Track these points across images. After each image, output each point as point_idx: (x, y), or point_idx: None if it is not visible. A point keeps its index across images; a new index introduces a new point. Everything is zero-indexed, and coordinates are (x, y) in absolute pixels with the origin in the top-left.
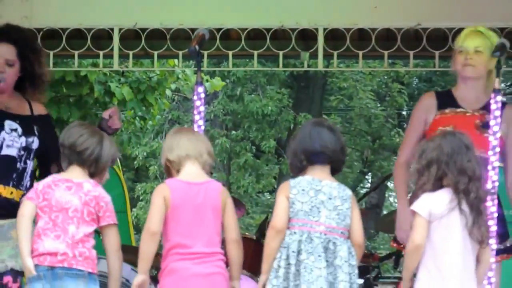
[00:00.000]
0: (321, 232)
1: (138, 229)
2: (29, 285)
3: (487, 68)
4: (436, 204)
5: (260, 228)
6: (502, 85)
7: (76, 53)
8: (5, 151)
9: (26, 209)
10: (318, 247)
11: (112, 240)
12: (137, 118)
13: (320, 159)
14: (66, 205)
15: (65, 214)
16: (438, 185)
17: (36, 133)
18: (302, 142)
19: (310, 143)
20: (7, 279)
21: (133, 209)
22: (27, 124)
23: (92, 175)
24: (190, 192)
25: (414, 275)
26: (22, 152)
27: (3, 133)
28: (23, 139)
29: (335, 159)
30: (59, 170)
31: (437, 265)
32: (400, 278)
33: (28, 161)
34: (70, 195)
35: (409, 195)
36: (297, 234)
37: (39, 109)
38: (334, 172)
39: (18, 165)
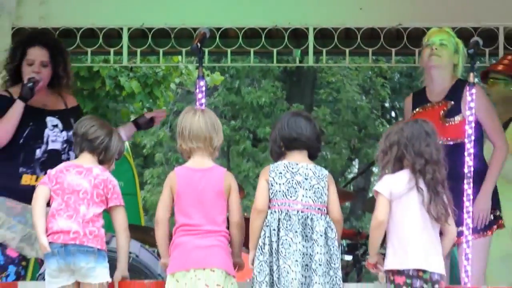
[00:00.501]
0: (298, 210)
1: (145, 210)
2: (45, 261)
3: (452, 61)
4: (396, 184)
5: None
6: (476, 79)
7: (89, 50)
8: (51, 146)
9: (40, 193)
10: (296, 224)
11: (120, 220)
12: (144, 109)
13: (297, 145)
14: (77, 188)
15: (77, 196)
16: (399, 166)
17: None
18: (281, 130)
19: (288, 131)
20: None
21: (141, 192)
22: (65, 118)
23: (100, 163)
24: (194, 178)
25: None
26: (65, 145)
27: (46, 130)
28: (64, 133)
29: (311, 146)
30: None
31: (400, 241)
32: (384, 255)
33: (70, 152)
34: (81, 179)
35: None
36: (277, 213)
37: (71, 101)
38: (311, 158)
39: (63, 156)
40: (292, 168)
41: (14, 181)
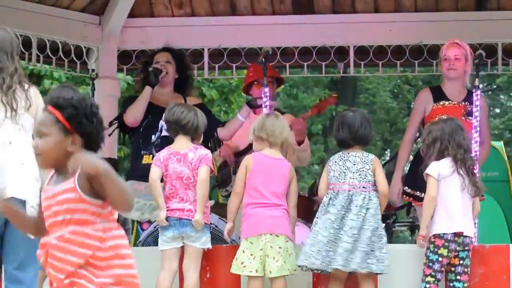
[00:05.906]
0: (345, 189)
1: None
2: (163, 231)
3: (464, 69)
4: (443, 168)
5: (310, 189)
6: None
7: None
8: (164, 133)
9: (157, 175)
10: (341, 200)
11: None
12: (221, 112)
13: (362, 143)
14: (180, 175)
15: (181, 181)
16: (440, 156)
17: None
18: (350, 128)
19: (360, 131)
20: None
21: None
22: None
23: (192, 140)
24: (266, 163)
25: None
26: None
27: (161, 121)
28: None
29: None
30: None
31: (447, 210)
32: (411, 223)
33: None
34: (181, 166)
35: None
36: (329, 194)
37: (192, 101)
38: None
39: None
40: (344, 157)
41: (138, 161)
